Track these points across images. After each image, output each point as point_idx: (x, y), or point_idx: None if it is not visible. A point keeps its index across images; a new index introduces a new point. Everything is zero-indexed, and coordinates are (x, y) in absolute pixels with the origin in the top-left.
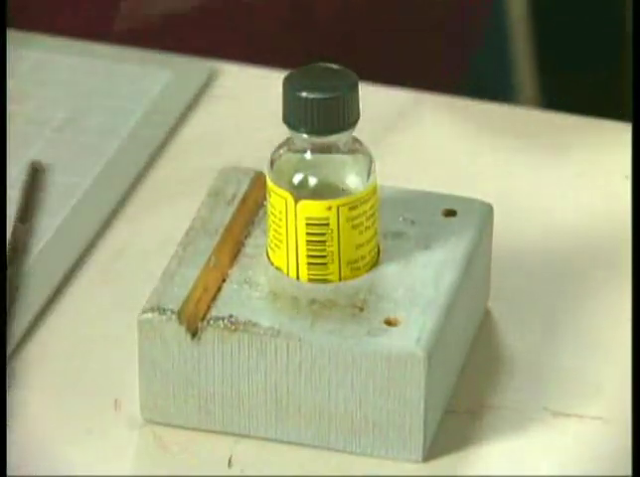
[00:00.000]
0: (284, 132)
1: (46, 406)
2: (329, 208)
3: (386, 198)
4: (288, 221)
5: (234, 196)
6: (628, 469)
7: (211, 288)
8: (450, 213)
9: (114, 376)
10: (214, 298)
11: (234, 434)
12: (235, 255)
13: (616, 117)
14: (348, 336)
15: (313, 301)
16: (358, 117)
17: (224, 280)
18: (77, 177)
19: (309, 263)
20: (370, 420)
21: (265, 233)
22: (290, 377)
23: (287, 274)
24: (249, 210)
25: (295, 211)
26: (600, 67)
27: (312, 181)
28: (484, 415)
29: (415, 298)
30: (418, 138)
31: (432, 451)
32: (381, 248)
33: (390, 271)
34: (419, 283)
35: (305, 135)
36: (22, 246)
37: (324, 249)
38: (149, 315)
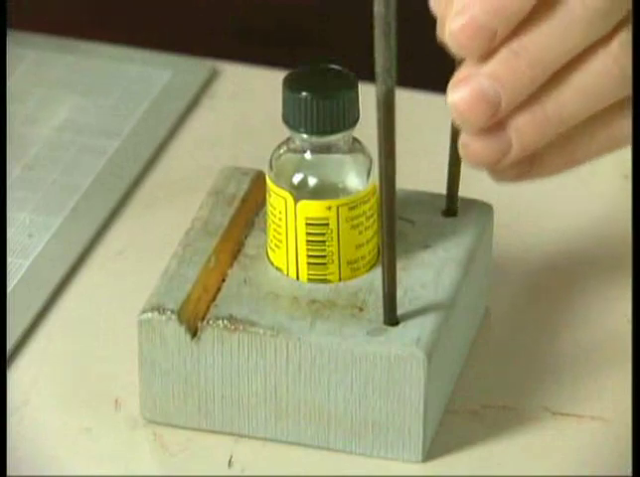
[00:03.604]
0: (284, 132)
1: (46, 406)
2: (329, 208)
3: None
4: (288, 221)
5: (234, 196)
6: (628, 469)
7: (210, 288)
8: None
9: (114, 376)
10: (213, 298)
11: (233, 434)
12: (234, 255)
13: None
14: (348, 336)
15: (313, 301)
16: (358, 117)
17: (223, 280)
18: (77, 177)
19: (309, 263)
20: (369, 421)
21: (265, 232)
22: (290, 377)
23: (287, 274)
24: (249, 210)
25: (295, 211)
26: None
27: (312, 181)
28: (484, 415)
29: (415, 298)
30: (418, 138)
31: (432, 451)
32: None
33: None
34: (419, 283)
35: (305, 135)
36: None
37: (324, 249)
38: (149, 315)
